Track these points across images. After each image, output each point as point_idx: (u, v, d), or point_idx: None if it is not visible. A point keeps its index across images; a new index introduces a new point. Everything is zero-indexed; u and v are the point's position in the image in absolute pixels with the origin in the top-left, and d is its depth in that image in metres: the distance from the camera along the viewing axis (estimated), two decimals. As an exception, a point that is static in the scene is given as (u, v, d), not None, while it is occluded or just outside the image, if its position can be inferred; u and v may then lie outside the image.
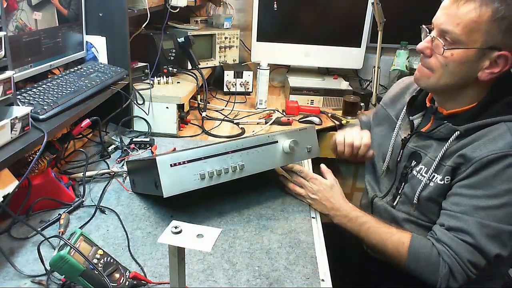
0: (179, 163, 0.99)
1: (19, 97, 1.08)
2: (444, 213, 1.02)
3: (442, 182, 1.04)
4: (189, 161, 1.00)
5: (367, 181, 1.32)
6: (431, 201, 1.07)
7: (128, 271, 0.85)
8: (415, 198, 1.09)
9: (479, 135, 1.00)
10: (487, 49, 0.95)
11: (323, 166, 1.25)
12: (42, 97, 1.11)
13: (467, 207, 0.97)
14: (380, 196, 1.24)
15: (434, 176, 1.06)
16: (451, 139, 1.04)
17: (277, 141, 1.14)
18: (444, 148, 1.04)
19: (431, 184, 1.06)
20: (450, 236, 0.98)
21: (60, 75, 1.31)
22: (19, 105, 1.02)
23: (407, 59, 2.15)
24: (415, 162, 1.13)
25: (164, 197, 0.97)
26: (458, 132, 1.03)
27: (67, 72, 1.35)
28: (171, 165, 0.98)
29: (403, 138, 1.18)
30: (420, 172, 1.10)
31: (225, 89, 2.19)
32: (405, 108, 1.21)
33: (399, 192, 1.17)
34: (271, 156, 1.13)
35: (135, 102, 1.61)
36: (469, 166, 0.98)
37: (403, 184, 1.16)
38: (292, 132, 1.18)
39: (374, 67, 2.19)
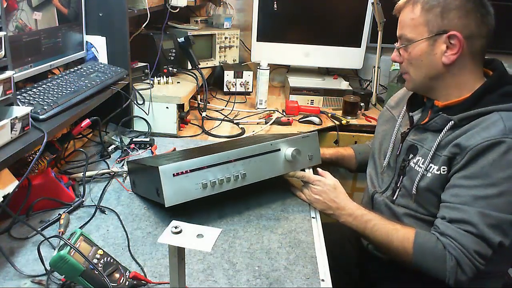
0: (182, 173, 0.99)
1: (19, 97, 1.08)
2: (444, 205, 1.02)
3: (439, 173, 1.05)
4: (191, 170, 1.00)
5: (369, 176, 1.33)
6: (429, 192, 1.08)
7: (128, 271, 0.85)
8: (413, 189, 1.10)
9: (473, 124, 1.02)
10: (435, 35, 1.04)
11: (320, 170, 1.25)
12: (42, 97, 1.11)
13: (467, 197, 0.98)
14: (380, 191, 1.24)
15: (431, 166, 1.07)
16: (445, 129, 1.06)
17: (279, 149, 1.14)
18: (439, 138, 1.06)
19: (428, 174, 1.07)
20: (453, 228, 0.98)
21: (60, 75, 1.31)
22: (19, 105, 1.02)
23: (407, 59, 2.14)
24: (412, 155, 1.15)
25: (166, 206, 0.98)
26: (452, 122, 1.05)
27: (67, 72, 1.35)
28: (173, 175, 0.98)
29: (403, 132, 1.20)
30: (418, 164, 1.11)
31: (225, 89, 2.19)
32: (405, 105, 1.24)
33: (398, 185, 1.18)
34: (273, 164, 1.14)
35: (135, 102, 1.61)
36: (464, 155, 0.99)
37: (401, 177, 1.17)
38: (295, 140, 1.17)
39: (374, 67, 2.19)
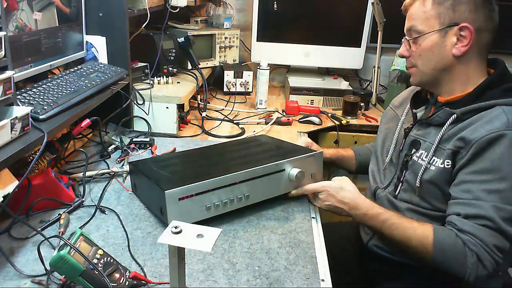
0: (187, 197, 0.99)
1: (19, 97, 1.08)
2: (457, 202, 1.02)
3: (443, 166, 1.06)
4: (197, 194, 1.00)
5: (371, 172, 1.34)
6: (433, 185, 1.08)
7: (128, 271, 0.85)
8: (417, 182, 1.10)
9: (475, 118, 1.03)
10: (447, 27, 1.06)
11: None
12: (42, 97, 1.11)
13: (479, 192, 0.98)
14: (383, 187, 1.25)
15: (434, 160, 1.08)
16: (448, 122, 1.07)
17: (284, 170, 1.14)
18: (442, 131, 1.07)
19: (432, 168, 1.08)
20: (471, 224, 0.98)
21: (60, 75, 1.31)
22: (19, 105, 1.02)
23: (407, 59, 2.14)
24: (414, 150, 1.15)
25: None
26: (455, 115, 1.06)
27: (67, 72, 1.35)
28: (179, 199, 0.98)
29: (406, 128, 1.21)
30: (421, 157, 1.12)
31: (225, 89, 2.19)
32: (409, 104, 1.25)
33: (401, 180, 1.18)
34: (276, 184, 1.14)
35: (135, 102, 1.61)
36: (469, 149, 1.00)
37: (404, 172, 1.17)
38: (300, 160, 1.16)
39: (374, 67, 2.19)
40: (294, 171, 1.14)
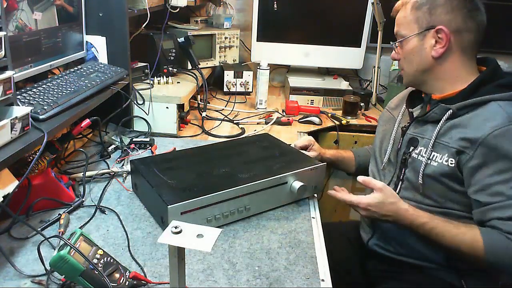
0: (189, 211, 0.99)
1: (19, 97, 1.08)
2: (492, 207, 1.01)
3: (447, 164, 1.06)
4: (199, 208, 1.00)
5: (371, 173, 1.34)
6: (436, 180, 1.08)
7: (128, 271, 0.85)
8: (419, 179, 1.11)
9: (472, 115, 1.05)
10: (424, 31, 1.11)
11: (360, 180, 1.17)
12: (42, 97, 1.11)
13: (511, 191, 0.99)
14: None
15: (434, 155, 1.09)
16: (444, 118, 1.08)
17: (286, 182, 1.14)
18: (438, 127, 1.09)
19: (433, 163, 1.08)
20: None
21: (60, 75, 1.31)
22: (19, 105, 1.02)
23: (407, 59, 2.14)
24: (412, 147, 1.16)
25: None
26: (451, 111, 1.07)
27: (67, 72, 1.35)
28: (181, 213, 0.98)
29: (403, 127, 1.22)
30: (420, 154, 1.13)
31: (225, 89, 2.19)
32: (404, 104, 1.26)
33: (401, 178, 1.18)
34: (277, 196, 1.15)
35: (135, 102, 1.61)
36: (476, 148, 1.01)
37: (403, 170, 1.18)
38: (303, 173, 1.16)
39: (374, 67, 2.19)
40: (296, 184, 1.14)
